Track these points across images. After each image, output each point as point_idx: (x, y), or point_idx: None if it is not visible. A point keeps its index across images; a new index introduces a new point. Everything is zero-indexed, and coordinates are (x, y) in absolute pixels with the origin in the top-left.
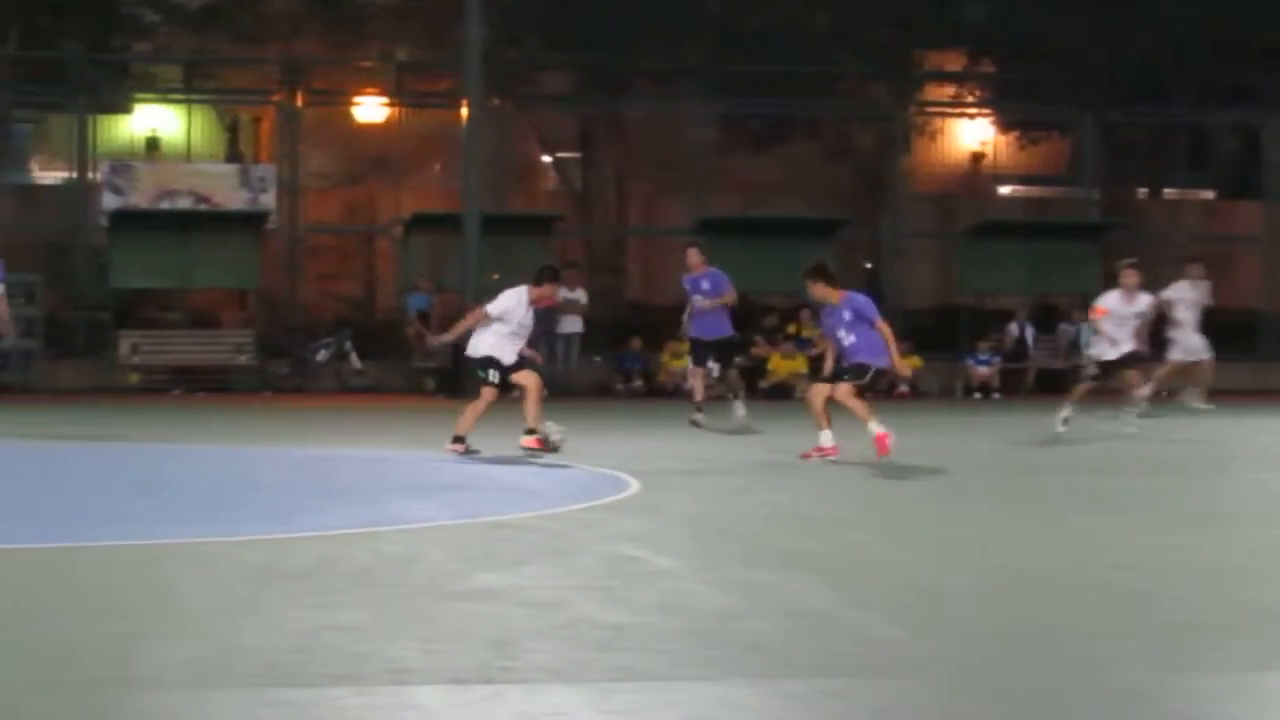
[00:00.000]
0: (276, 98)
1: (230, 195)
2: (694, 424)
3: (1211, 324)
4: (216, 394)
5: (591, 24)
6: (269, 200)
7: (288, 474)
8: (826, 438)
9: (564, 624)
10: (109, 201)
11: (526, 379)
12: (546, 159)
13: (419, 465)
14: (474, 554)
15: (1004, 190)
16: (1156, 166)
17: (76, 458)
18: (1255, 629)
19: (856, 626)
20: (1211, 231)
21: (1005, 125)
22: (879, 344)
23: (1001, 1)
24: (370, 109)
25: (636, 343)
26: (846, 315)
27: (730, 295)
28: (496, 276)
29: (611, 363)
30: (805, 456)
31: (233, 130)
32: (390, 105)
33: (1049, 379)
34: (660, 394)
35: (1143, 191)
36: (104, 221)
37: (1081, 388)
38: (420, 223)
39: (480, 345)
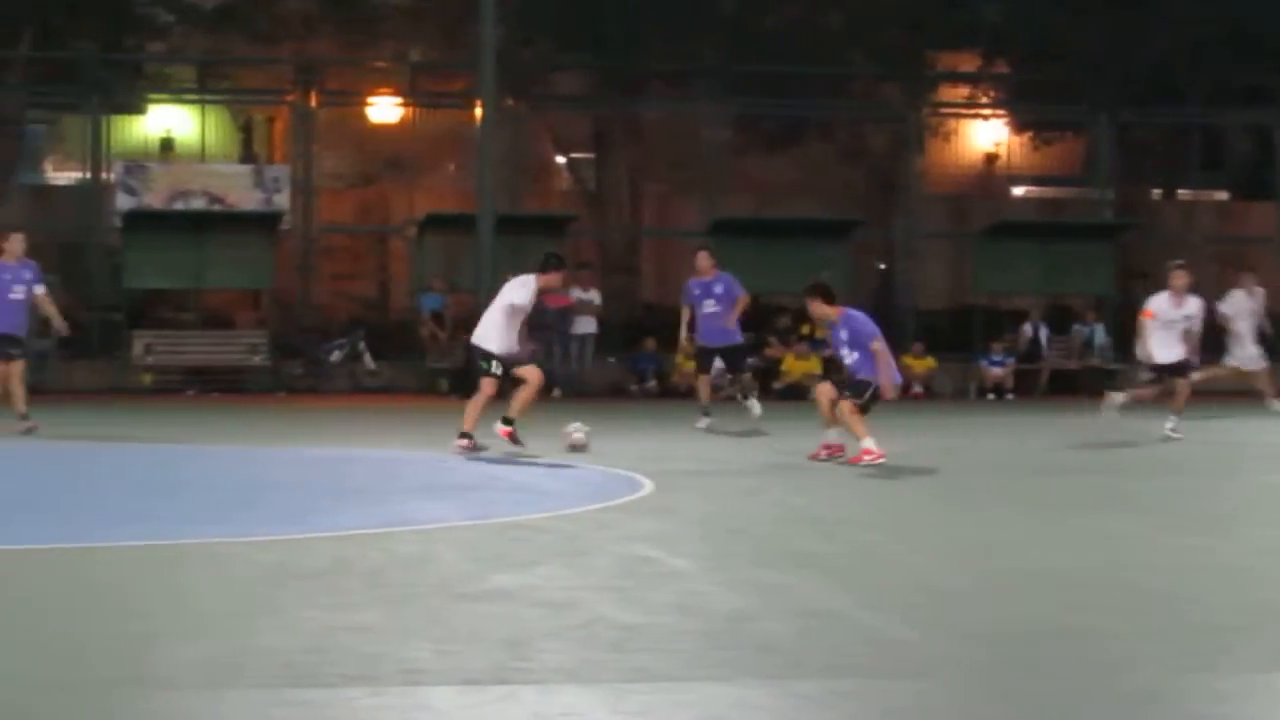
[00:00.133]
0: (290, 98)
1: (244, 196)
2: (700, 429)
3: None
4: (230, 394)
5: (605, 25)
6: (283, 201)
7: (301, 474)
8: (832, 435)
9: (578, 625)
10: (123, 202)
11: (531, 373)
12: (560, 159)
13: (432, 466)
14: (488, 554)
15: (1018, 191)
16: (1170, 167)
17: (90, 458)
18: (1271, 630)
19: (869, 627)
20: (1225, 232)
21: (1019, 126)
22: (889, 361)
23: (1015, 2)
24: (384, 109)
25: (650, 343)
26: (844, 334)
27: (745, 299)
28: (510, 277)
29: (625, 363)
30: (813, 457)
31: (247, 131)
32: (404, 105)
33: (1062, 380)
34: (674, 395)
35: (1157, 192)
36: (118, 222)
37: (1147, 391)
38: (434, 223)
39: (489, 336)
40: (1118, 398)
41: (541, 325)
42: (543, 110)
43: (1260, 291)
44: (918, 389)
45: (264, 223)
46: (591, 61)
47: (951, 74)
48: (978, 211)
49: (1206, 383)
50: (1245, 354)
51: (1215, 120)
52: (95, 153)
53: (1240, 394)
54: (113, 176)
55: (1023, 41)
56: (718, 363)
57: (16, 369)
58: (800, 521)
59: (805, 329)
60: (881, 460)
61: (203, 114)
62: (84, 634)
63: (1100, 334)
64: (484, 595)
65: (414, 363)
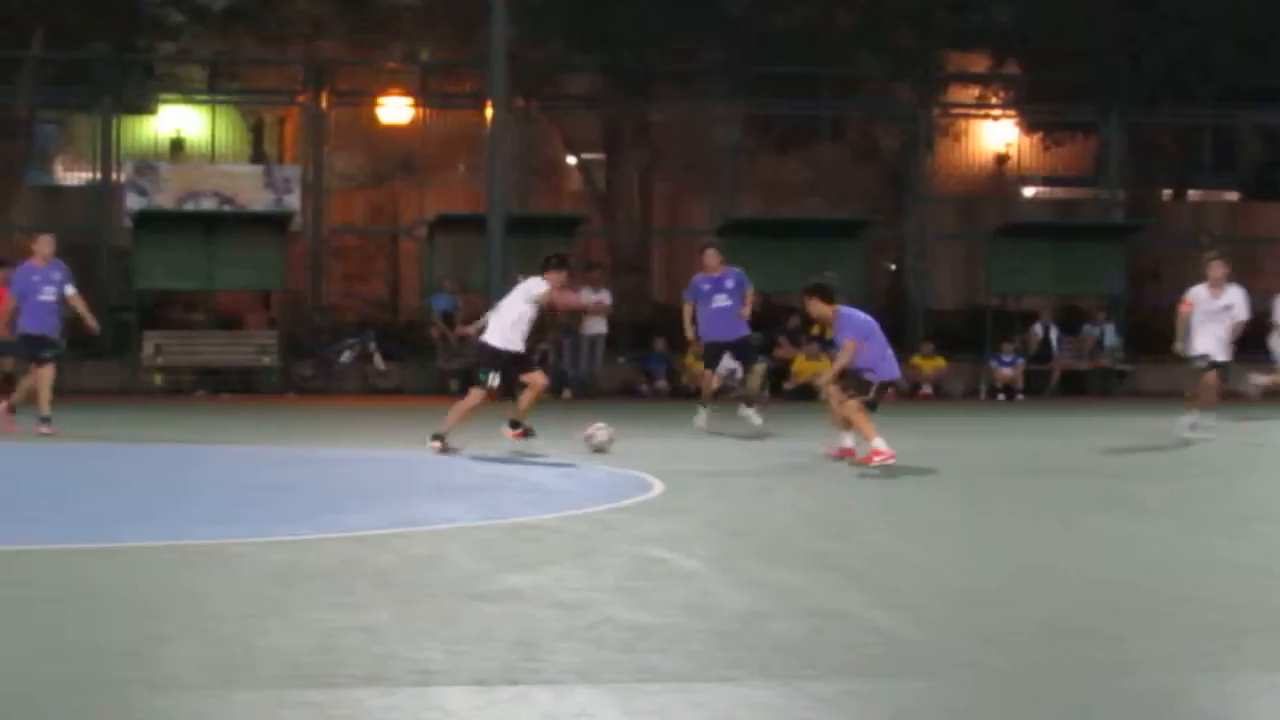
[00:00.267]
0: (301, 98)
1: (255, 196)
2: (699, 425)
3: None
4: (240, 395)
5: (616, 25)
6: (293, 201)
7: (312, 475)
8: (847, 440)
9: (589, 625)
10: (133, 202)
11: (536, 378)
12: (571, 160)
13: (443, 466)
14: (498, 555)
15: (1028, 191)
16: (1181, 167)
17: (101, 459)
18: None
19: (881, 628)
20: (1236, 233)
21: (1030, 126)
22: (884, 357)
23: (1026, 2)
24: (395, 110)
25: (661, 343)
26: (841, 333)
27: (753, 292)
28: (521, 278)
29: (636, 364)
30: (827, 454)
31: (257, 131)
32: (415, 106)
33: (1073, 380)
34: (685, 395)
35: (1167, 193)
36: (128, 222)
37: (1208, 392)
38: (445, 224)
39: (496, 335)
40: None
41: (552, 325)
42: (553, 111)
43: None
44: (927, 389)
45: (274, 223)
46: (602, 62)
47: (962, 74)
48: (988, 212)
49: (1273, 387)
50: None
51: (1226, 121)
52: (106, 153)
53: None
54: (123, 177)
55: (1033, 42)
56: (727, 361)
57: (47, 372)
58: (811, 522)
59: (815, 329)
60: (892, 460)
61: (213, 114)
62: (94, 634)
63: (1111, 334)
64: (495, 595)
65: (425, 363)
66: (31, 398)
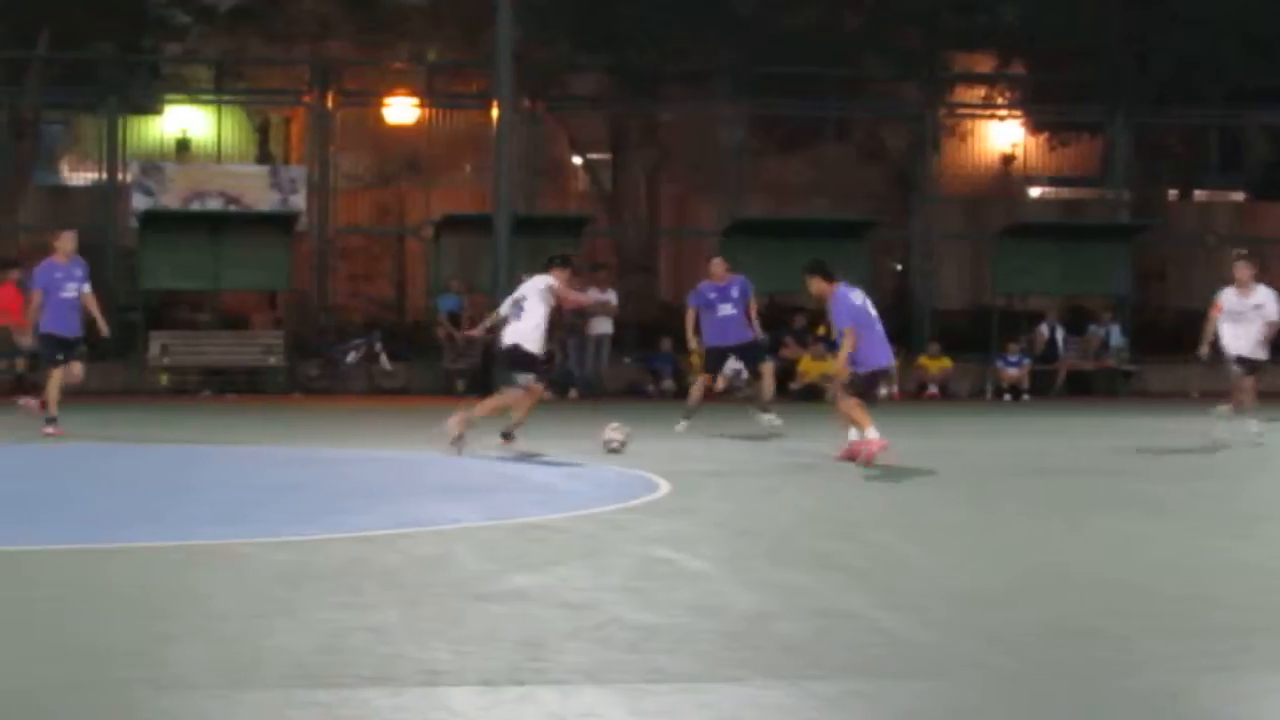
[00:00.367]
0: (307, 99)
1: (260, 196)
2: (679, 430)
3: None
4: (246, 395)
5: (622, 25)
6: (299, 201)
7: (318, 475)
8: (853, 434)
9: (595, 625)
10: (139, 202)
11: (535, 389)
12: (577, 160)
13: (450, 466)
14: (505, 555)
15: (1034, 192)
16: (1187, 168)
17: (106, 459)
18: None
19: (887, 628)
20: (1242, 233)
21: (1036, 126)
22: (874, 345)
23: (1032, 3)
24: (401, 110)
25: (667, 343)
26: (837, 317)
27: (754, 304)
28: (524, 277)
29: (642, 364)
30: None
31: (263, 131)
32: (421, 106)
33: (1079, 380)
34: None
35: (1173, 193)
36: (134, 222)
37: (1245, 394)
38: (451, 224)
39: (529, 341)
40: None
41: (558, 325)
42: (560, 111)
43: None
44: (933, 389)
45: (280, 224)
46: (608, 62)
47: (968, 75)
48: (994, 212)
49: None
50: None
51: (1233, 121)
52: (112, 153)
53: None
54: (129, 177)
55: (1040, 42)
56: (732, 363)
57: (60, 374)
58: (817, 522)
59: (821, 329)
60: (884, 449)
61: (219, 114)
62: (101, 634)
63: (1116, 334)
64: (501, 596)
65: (431, 364)
66: (47, 397)
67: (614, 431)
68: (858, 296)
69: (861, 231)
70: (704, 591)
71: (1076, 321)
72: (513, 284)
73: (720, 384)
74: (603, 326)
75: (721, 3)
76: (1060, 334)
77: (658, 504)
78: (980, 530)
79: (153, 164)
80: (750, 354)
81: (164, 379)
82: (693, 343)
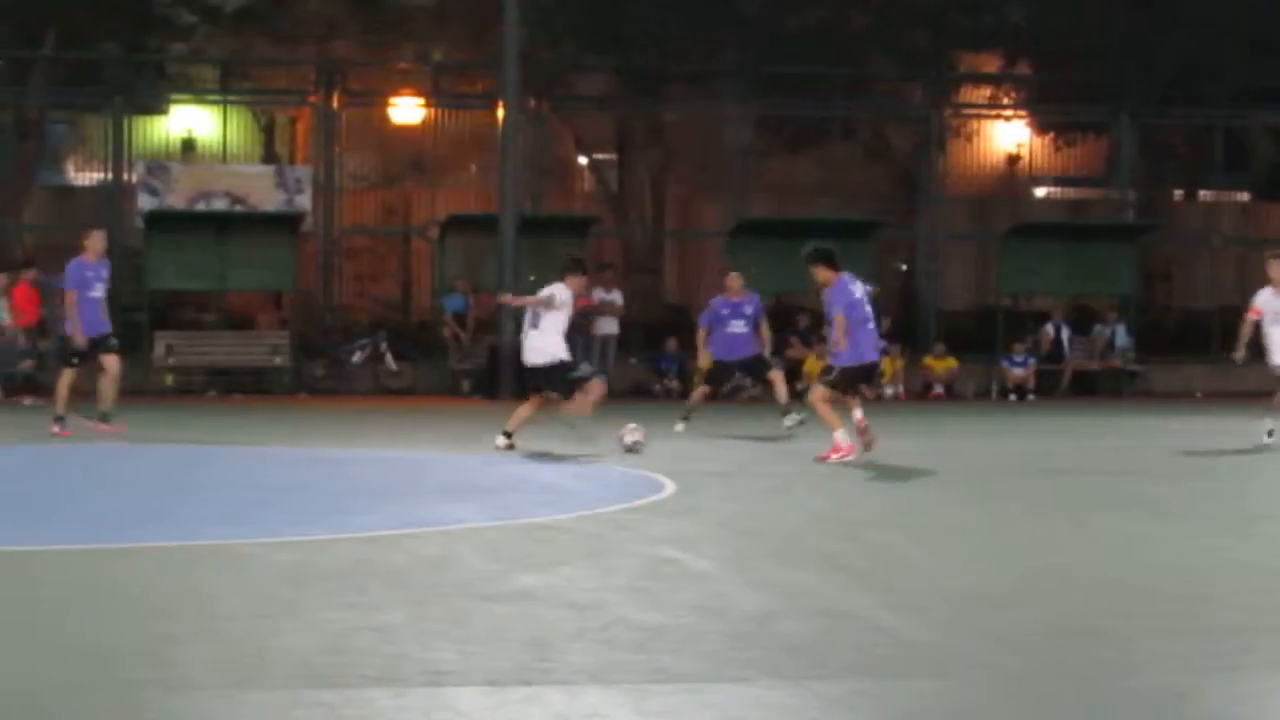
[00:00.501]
0: (313, 99)
1: (266, 196)
2: (678, 431)
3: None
4: (252, 395)
5: (628, 26)
6: (305, 201)
7: (323, 475)
8: (840, 435)
9: (601, 625)
10: (144, 202)
11: (536, 399)
12: (583, 160)
13: (455, 466)
14: (510, 555)
15: (1040, 192)
16: (1192, 168)
17: (112, 459)
18: None
19: (892, 628)
20: (1247, 233)
21: (1041, 127)
22: (863, 340)
23: (1038, 3)
24: (407, 110)
25: (673, 344)
26: (833, 304)
27: (765, 325)
28: (533, 278)
29: (648, 364)
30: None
31: (269, 131)
32: (427, 106)
33: (1084, 380)
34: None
35: (1178, 193)
36: (140, 223)
37: None
38: (456, 224)
39: (552, 348)
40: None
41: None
42: (565, 111)
43: None
44: (939, 389)
45: (286, 224)
46: (614, 63)
47: (974, 75)
48: (1000, 212)
49: None
50: None
51: (1237, 121)
52: (117, 153)
53: None
54: (135, 177)
55: (1045, 42)
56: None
57: (71, 376)
58: (822, 522)
59: (826, 329)
60: (850, 457)
61: (225, 114)
62: (106, 635)
63: (1122, 335)
64: (507, 596)
65: (436, 364)
66: (57, 397)
67: (632, 432)
68: (858, 290)
69: (867, 232)
70: (709, 592)
71: (1082, 321)
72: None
73: (702, 398)
74: (608, 327)
75: (727, 3)
76: (1065, 334)
77: (663, 504)
78: (985, 530)
79: (158, 164)
80: (756, 368)
81: (169, 379)
82: (703, 359)
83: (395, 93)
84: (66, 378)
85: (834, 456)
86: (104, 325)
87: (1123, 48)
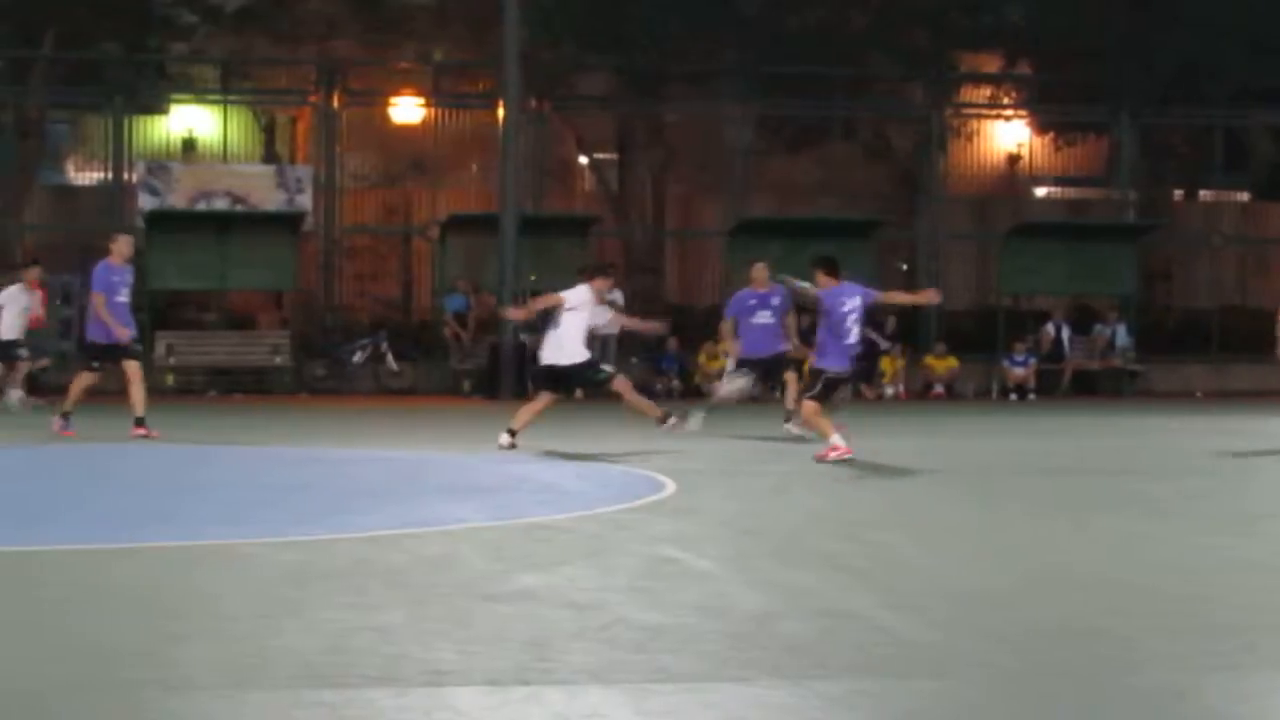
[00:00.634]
0: (313, 98)
1: (267, 196)
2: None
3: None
4: (253, 395)
5: (629, 26)
6: (305, 201)
7: (324, 475)
8: (835, 438)
9: (601, 625)
10: (145, 202)
11: (545, 397)
12: (584, 160)
13: (456, 466)
14: (511, 555)
15: (1040, 191)
16: (1192, 168)
17: (112, 459)
18: None
19: (892, 628)
20: (1247, 233)
21: (1042, 126)
22: (838, 351)
23: (1038, 3)
24: (407, 110)
25: (673, 344)
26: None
27: (792, 316)
28: (534, 277)
29: (648, 364)
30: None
31: (269, 131)
32: (427, 106)
33: (1085, 380)
34: (697, 394)
35: (1178, 193)
36: (140, 222)
37: None
38: (457, 224)
39: (572, 348)
40: None
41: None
42: (566, 111)
43: None
44: (939, 389)
45: (287, 223)
46: (615, 62)
47: (974, 75)
48: (1000, 212)
49: None
50: None
51: (1237, 121)
52: (118, 153)
53: None
54: (135, 177)
55: (1046, 42)
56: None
57: (89, 378)
58: (822, 522)
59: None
60: (849, 455)
61: (225, 114)
62: (107, 634)
63: (1122, 334)
64: (507, 596)
65: (437, 364)
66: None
67: (729, 380)
68: (846, 305)
69: (868, 231)
70: (709, 591)
71: (1082, 321)
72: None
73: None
74: (609, 327)
75: (727, 3)
76: (1066, 334)
77: (663, 504)
78: (985, 530)
79: (159, 164)
80: (776, 368)
81: (170, 379)
82: (732, 350)
83: (396, 92)
84: (84, 380)
85: (832, 455)
86: (130, 329)
87: (1123, 47)
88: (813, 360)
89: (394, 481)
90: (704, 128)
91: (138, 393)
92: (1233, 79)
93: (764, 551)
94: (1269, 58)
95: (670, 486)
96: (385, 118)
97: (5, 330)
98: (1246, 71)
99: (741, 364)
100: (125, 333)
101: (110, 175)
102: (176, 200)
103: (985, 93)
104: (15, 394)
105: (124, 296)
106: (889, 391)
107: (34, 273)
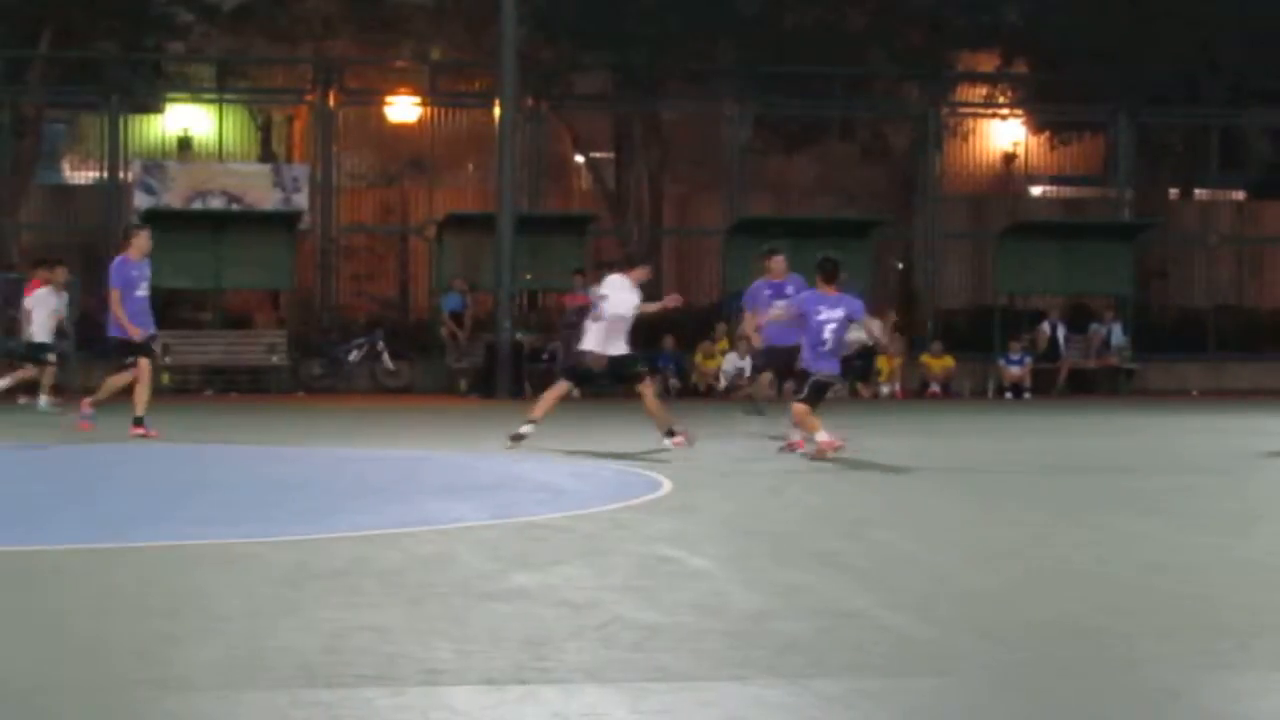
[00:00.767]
0: (310, 97)
1: (263, 195)
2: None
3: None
4: (249, 395)
5: (626, 24)
6: (302, 200)
7: (320, 474)
8: (821, 436)
9: (598, 624)
10: (141, 201)
11: (562, 386)
12: (580, 159)
13: (452, 465)
14: (507, 554)
15: (1036, 190)
16: (1188, 167)
17: (108, 459)
18: None
19: (890, 626)
20: (1243, 232)
21: (1038, 125)
22: (822, 356)
23: (1034, 3)
24: (404, 109)
25: (670, 342)
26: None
27: None
28: (529, 276)
29: (646, 362)
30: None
31: (266, 130)
32: (424, 105)
33: (1080, 378)
34: (694, 393)
35: (1174, 192)
36: (137, 221)
37: None
38: (454, 223)
39: (615, 345)
40: None
41: (565, 325)
42: (563, 110)
43: None
44: (936, 388)
45: (283, 222)
46: (612, 61)
47: (971, 74)
48: (997, 211)
49: None
50: None
51: (1233, 120)
52: (114, 152)
53: None
54: (131, 176)
55: (1042, 42)
56: (735, 361)
57: (126, 376)
58: (820, 521)
59: None
60: (841, 447)
61: (222, 113)
62: (103, 634)
63: (1118, 333)
64: (504, 595)
65: (434, 363)
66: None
67: (859, 329)
68: (825, 314)
69: (865, 230)
70: (707, 590)
71: (1078, 320)
72: (518, 282)
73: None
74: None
75: (725, 1)
76: (1062, 332)
77: (660, 503)
78: (982, 528)
79: (155, 163)
80: (793, 360)
81: (167, 378)
82: (756, 341)
83: (393, 91)
84: (121, 378)
85: (829, 453)
86: (149, 326)
87: (1119, 47)
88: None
89: (390, 481)
90: (701, 127)
91: (143, 392)
92: (1229, 78)
93: (761, 550)
94: (1264, 57)
95: (667, 485)
96: (382, 117)
97: (36, 332)
98: (1242, 71)
99: (768, 352)
100: (137, 332)
101: (106, 174)
102: (173, 199)
103: (982, 92)
104: (44, 397)
105: (143, 291)
106: (885, 390)
107: (60, 273)
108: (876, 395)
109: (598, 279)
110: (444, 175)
